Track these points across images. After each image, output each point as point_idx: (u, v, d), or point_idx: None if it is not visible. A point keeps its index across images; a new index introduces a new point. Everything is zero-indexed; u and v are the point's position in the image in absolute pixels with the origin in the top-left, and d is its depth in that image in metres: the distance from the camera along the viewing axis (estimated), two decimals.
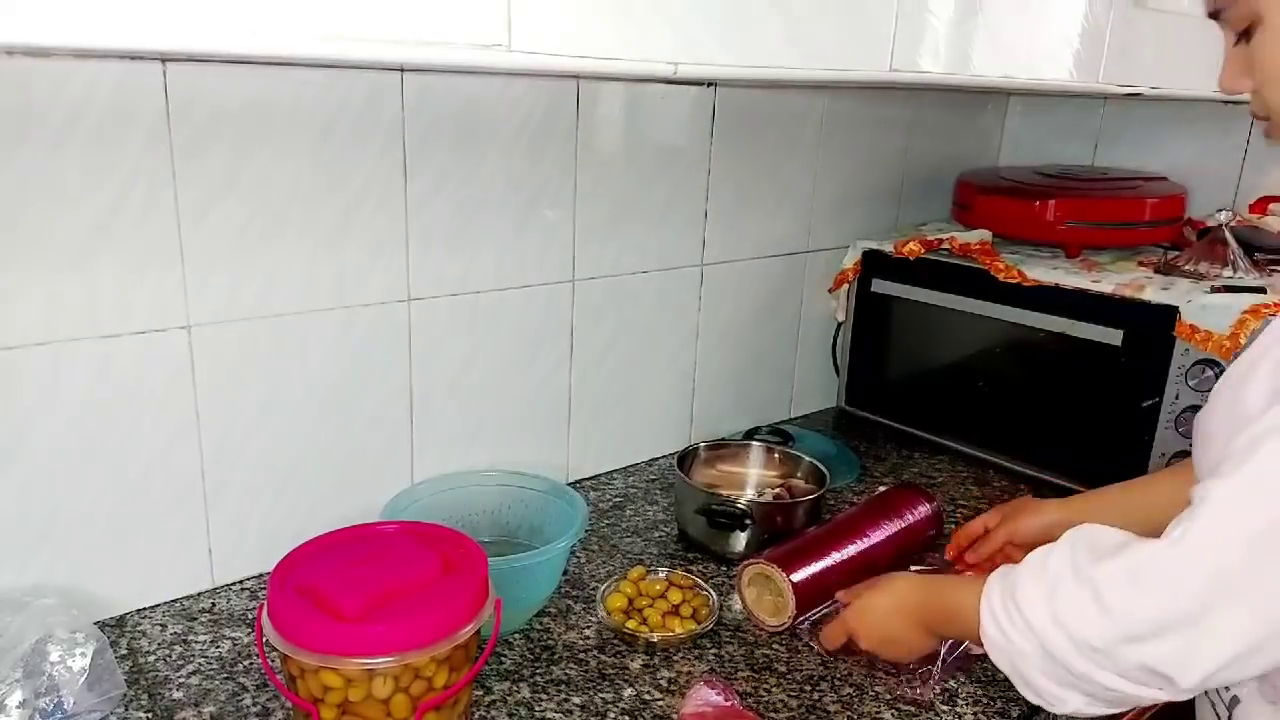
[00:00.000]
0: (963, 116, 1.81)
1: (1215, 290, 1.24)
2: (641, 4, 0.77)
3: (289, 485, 1.10)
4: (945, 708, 0.92)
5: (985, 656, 0.78)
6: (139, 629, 1.00)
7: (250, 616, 1.02)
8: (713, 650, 1.00)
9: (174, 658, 0.95)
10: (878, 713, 0.91)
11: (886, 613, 0.92)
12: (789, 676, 0.96)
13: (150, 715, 0.87)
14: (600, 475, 1.42)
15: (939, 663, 0.94)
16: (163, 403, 0.99)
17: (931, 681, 0.94)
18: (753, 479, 1.34)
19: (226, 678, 0.92)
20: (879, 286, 1.58)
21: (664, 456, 1.48)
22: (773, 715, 0.90)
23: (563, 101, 1.20)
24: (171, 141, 0.93)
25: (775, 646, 1.02)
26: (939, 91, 1.67)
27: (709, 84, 1.35)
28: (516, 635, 1.01)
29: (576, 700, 0.91)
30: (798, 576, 1.02)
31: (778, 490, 1.29)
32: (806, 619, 1.03)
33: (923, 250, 1.50)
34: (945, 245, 1.48)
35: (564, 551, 1.03)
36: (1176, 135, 1.66)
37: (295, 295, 1.05)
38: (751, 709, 0.90)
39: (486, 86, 1.13)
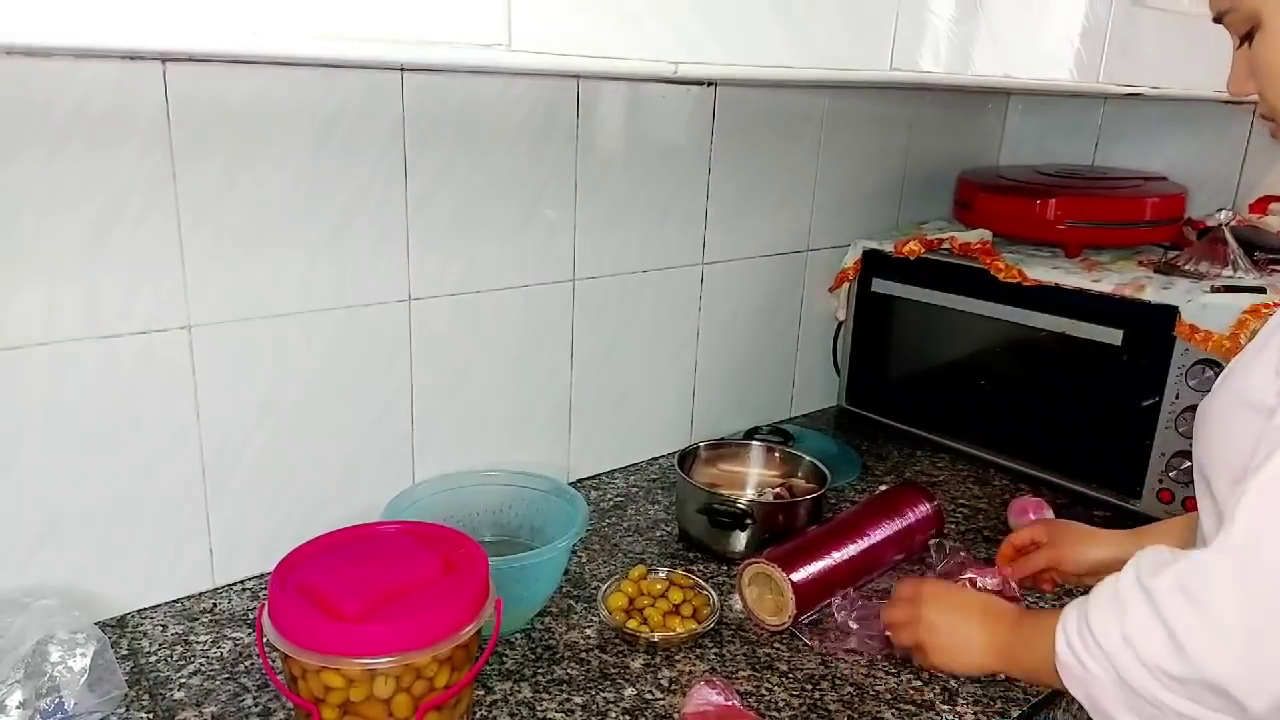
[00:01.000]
0: (963, 116, 1.81)
1: (1215, 290, 1.24)
2: (642, 4, 0.77)
3: (290, 485, 1.10)
4: (945, 707, 0.92)
5: None
6: (140, 629, 1.00)
7: (251, 617, 1.02)
8: (714, 650, 1.00)
9: (175, 658, 0.95)
10: (878, 712, 0.91)
11: (964, 628, 0.88)
12: (790, 676, 0.96)
13: (151, 715, 0.87)
14: (601, 475, 1.42)
15: None
16: (163, 403, 0.99)
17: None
18: (753, 478, 1.34)
19: (228, 678, 0.92)
20: (879, 286, 1.58)
21: (665, 456, 1.48)
22: (774, 715, 0.90)
23: (563, 101, 1.20)
24: (171, 141, 0.93)
25: (776, 646, 1.02)
26: (939, 91, 1.67)
27: (709, 84, 1.35)
28: (518, 635, 1.01)
29: (578, 700, 0.91)
30: (798, 576, 1.02)
31: (778, 490, 1.29)
32: (807, 618, 1.03)
33: (923, 250, 1.50)
34: (946, 245, 1.48)
35: (565, 551, 1.03)
36: (1177, 135, 1.66)
37: (295, 295, 1.05)
38: (752, 708, 0.90)
39: (486, 86, 1.13)
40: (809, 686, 0.95)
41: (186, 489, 1.03)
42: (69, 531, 0.96)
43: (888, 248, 1.55)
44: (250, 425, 1.05)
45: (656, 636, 0.99)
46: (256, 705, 0.89)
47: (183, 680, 0.92)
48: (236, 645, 0.98)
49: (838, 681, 0.96)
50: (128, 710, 0.87)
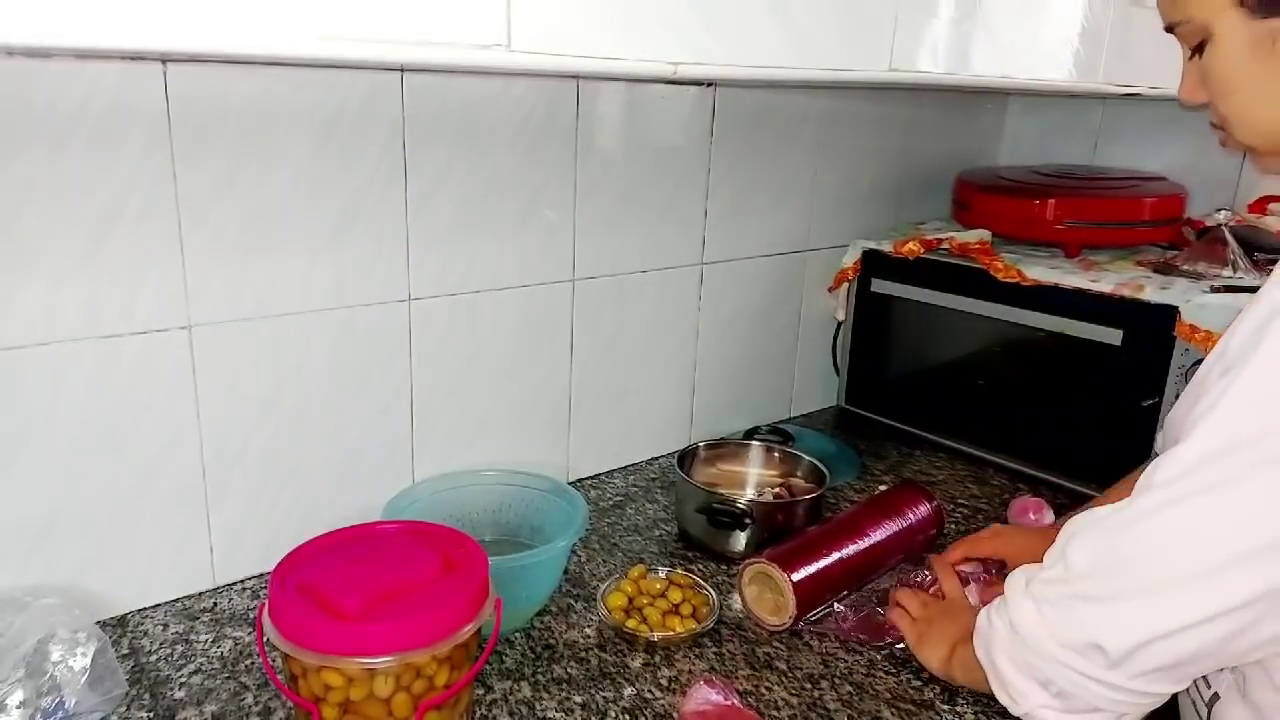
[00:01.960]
0: (962, 116, 1.81)
1: (1215, 290, 1.24)
2: (641, 4, 0.77)
3: (290, 485, 1.10)
4: (945, 707, 0.92)
5: None
6: (140, 628, 1.00)
7: (251, 616, 1.02)
8: (713, 649, 1.01)
9: (175, 657, 0.95)
10: (878, 711, 0.91)
11: (945, 632, 0.94)
12: (789, 675, 0.97)
13: (152, 715, 0.87)
14: (600, 474, 1.42)
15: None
16: (163, 403, 0.99)
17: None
18: (753, 478, 1.34)
19: (228, 677, 0.93)
20: (878, 286, 1.58)
21: (664, 455, 1.48)
22: (773, 714, 0.91)
23: (563, 101, 1.20)
24: (172, 141, 0.93)
25: (776, 645, 1.02)
26: (938, 91, 1.67)
27: (709, 84, 1.35)
28: (517, 634, 1.01)
29: (577, 699, 0.91)
30: (798, 576, 1.02)
31: (778, 489, 1.29)
32: (807, 618, 1.03)
33: (922, 250, 1.50)
34: (944, 245, 1.48)
35: (564, 550, 1.03)
36: (1176, 135, 1.66)
37: (295, 295, 1.05)
38: (752, 707, 0.91)
39: (486, 86, 1.13)
40: (808, 686, 0.95)
41: (186, 489, 1.03)
42: (69, 531, 0.96)
43: (887, 248, 1.55)
44: (250, 425, 1.05)
45: (656, 636, 1.00)
46: (257, 704, 0.89)
47: (183, 679, 0.92)
48: (237, 644, 0.98)
49: (837, 681, 0.96)
50: (128, 709, 0.87)
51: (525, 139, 1.18)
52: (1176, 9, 0.72)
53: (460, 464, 1.22)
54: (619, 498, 1.35)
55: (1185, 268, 1.34)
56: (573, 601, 1.08)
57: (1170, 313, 1.22)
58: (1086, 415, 1.35)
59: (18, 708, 0.80)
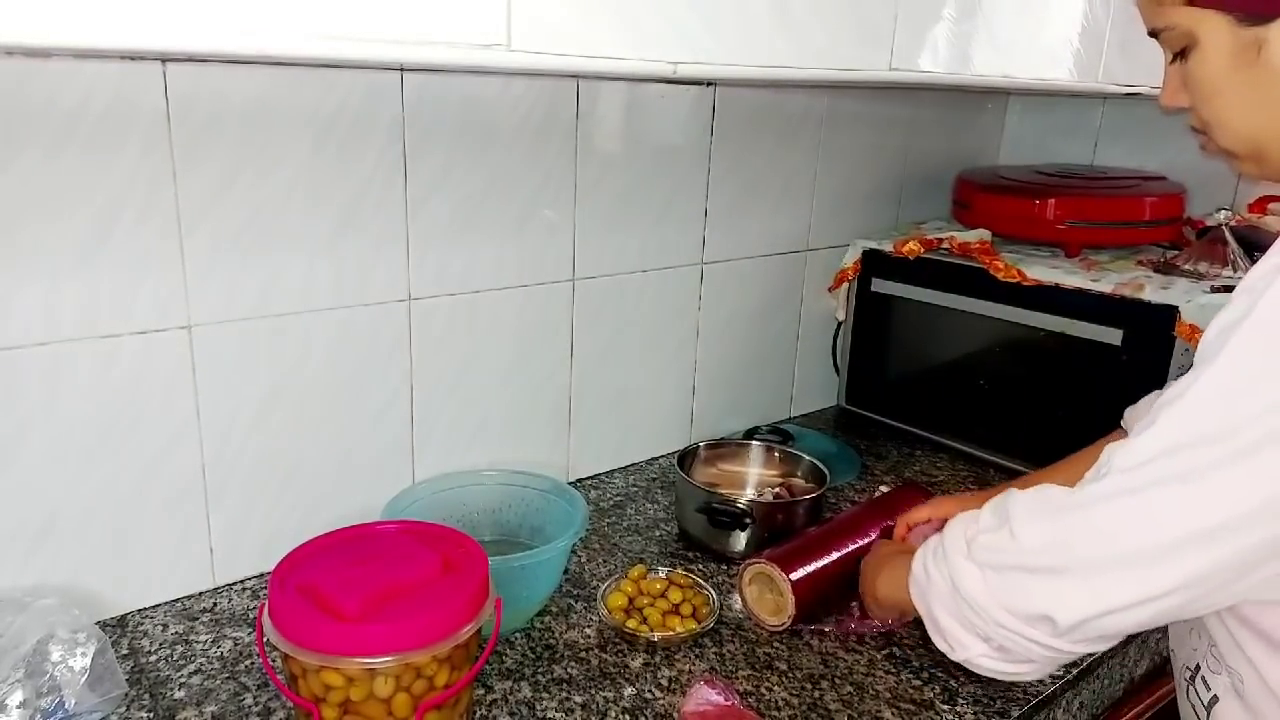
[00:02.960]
0: (962, 116, 1.81)
1: (1215, 290, 1.24)
2: (641, 4, 0.77)
3: (290, 485, 1.10)
4: (945, 707, 0.92)
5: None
6: (140, 629, 1.00)
7: (251, 616, 1.02)
8: (713, 649, 1.00)
9: (175, 657, 0.95)
10: (878, 711, 0.91)
11: (881, 567, 0.97)
12: (790, 675, 0.97)
13: (152, 715, 0.87)
14: (600, 474, 1.42)
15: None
16: (163, 403, 0.99)
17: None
18: (753, 478, 1.34)
19: (228, 677, 0.93)
20: (879, 286, 1.58)
21: (664, 455, 1.48)
22: (773, 714, 0.91)
23: (563, 101, 1.20)
24: (171, 141, 0.93)
25: (776, 645, 1.02)
26: (939, 91, 1.67)
27: (709, 83, 1.35)
28: (517, 634, 1.01)
29: (578, 699, 0.91)
30: (797, 575, 1.02)
31: (778, 489, 1.29)
32: (807, 618, 1.03)
33: (922, 249, 1.50)
34: (945, 244, 1.48)
35: (564, 551, 1.03)
36: (1176, 134, 1.66)
37: (295, 295, 1.05)
38: (752, 708, 0.91)
39: (486, 86, 1.13)
40: (809, 686, 0.95)
41: (186, 489, 1.03)
42: (69, 531, 0.96)
43: (887, 247, 1.55)
44: (250, 425, 1.05)
45: (656, 636, 0.99)
46: (257, 705, 0.89)
47: (183, 680, 0.92)
48: (237, 645, 0.98)
49: (838, 681, 0.96)
50: (128, 710, 0.87)
51: (525, 139, 1.18)
52: (1161, 15, 0.72)
53: (460, 464, 1.22)
54: (619, 498, 1.35)
55: (1186, 267, 1.34)
56: (573, 602, 1.08)
57: (1170, 313, 1.22)
58: (1087, 415, 1.35)
59: (17, 708, 0.79)
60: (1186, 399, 0.65)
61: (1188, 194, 1.52)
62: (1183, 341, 1.21)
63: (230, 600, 1.06)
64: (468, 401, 1.23)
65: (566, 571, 1.12)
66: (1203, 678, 0.79)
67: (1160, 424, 0.66)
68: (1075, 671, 0.98)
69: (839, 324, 1.68)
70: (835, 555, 1.07)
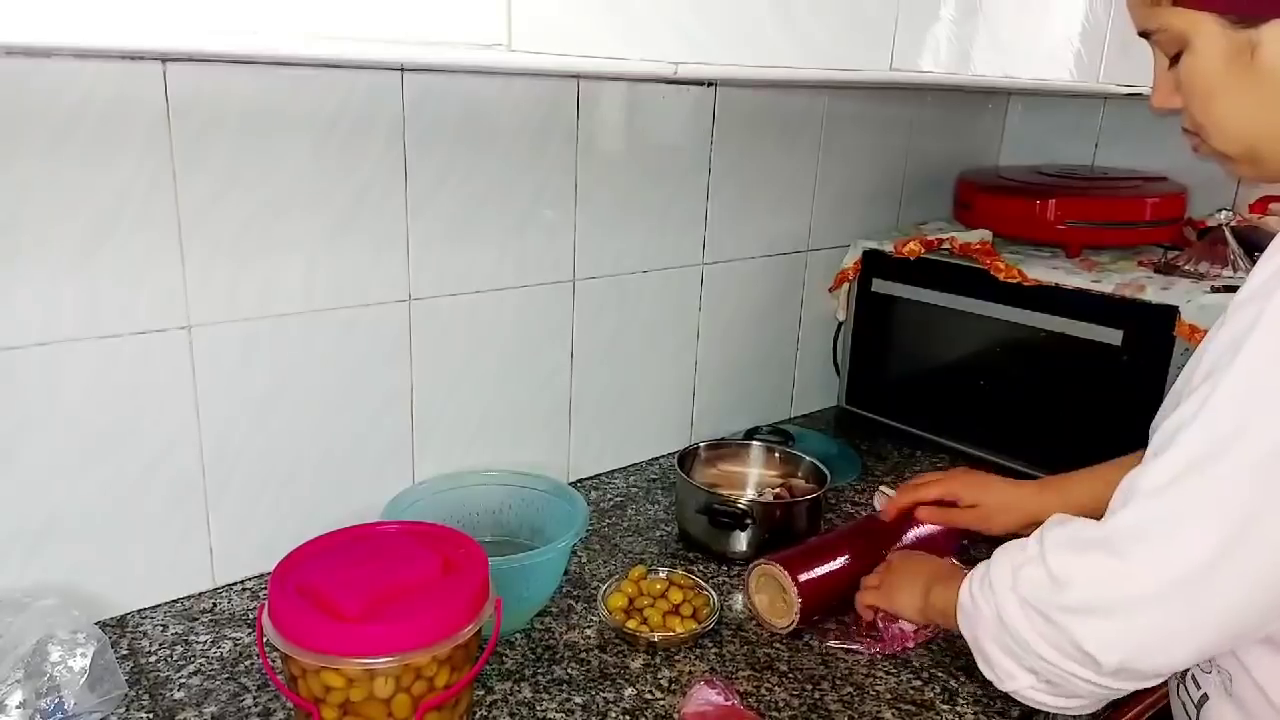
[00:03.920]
0: (963, 116, 1.81)
1: (1215, 290, 1.24)
2: (642, 4, 0.77)
3: (290, 485, 1.10)
4: (945, 707, 0.92)
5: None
6: (140, 629, 1.00)
7: (251, 617, 1.02)
8: (714, 650, 1.00)
9: (175, 658, 0.95)
10: (878, 712, 0.91)
11: (912, 577, 0.97)
12: (790, 676, 0.96)
13: (151, 715, 0.87)
14: (601, 475, 1.42)
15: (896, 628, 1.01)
16: (163, 403, 0.99)
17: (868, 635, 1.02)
18: (753, 478, 1.34)
19: (228, 678, 0.92)
20: (879, 286, 1.58)
21: (664, 456, 1.48)
22: (774, 715, 0.90)
23: (563, 101, 1.20)
24: (171, 141, 0.93)
25: (776, 646, 1.02)
26: (939, 91, 1.67)
27: (709, 84, 1.35)
28: (518, 635, 1.01)
29: (578, 700, 0.91)
30: (804, 578, 1.02)
31: (778, 490, 1.29)
32: (812, 620, 1.03)
33: (923, 250, 1.50)
34: (946, 245, 1.48)
35: (565, 551, 1.03)
36: (1177, 135, 1.63)
37: (295, 295, 1.05)
38: (752, 708, 0.90)
39: (486, 86, 1.13)
40: (809, 686, 0.95)
41: (186, 489, 1.03)
42: (69, 531, 0.96)
43: (888, 248, 1.55)
44: (250, 425, 1.05)
45: (656, 636, 0.99)
46: (256, 705, 0.89)
47: (183, 680, 0.92)
48: (236, 645, 0.98)
49: (838, 681, 0.96)
50: (128, 710, 0.87)
51: (525, 139, 1.18)
52: (1154, 17, 0.72)
53: (460, 464, 1.22)
54: (619, 498, 1.35)
55: (1186, 268, 1.34)
56: (573, 602, 1.08)
57: (1170, 313, 1.22)
58: (1087, 415, 1.35)
59: (17, 708, 0.79)
60: (1204, 414, 0.65)
61: (1188, 194, 1.52)
62: (1183, 341, 1.21)
63: (230, 601, 1.05)
64: (468, 402, 1.23)
65: (566, 572, 1.12)
66: (1193, 676, 0.79)
67: (1182, 440, 0.65)
68: None
69: (839, 324, 1.68)
70: (843, 560, 1.06)
